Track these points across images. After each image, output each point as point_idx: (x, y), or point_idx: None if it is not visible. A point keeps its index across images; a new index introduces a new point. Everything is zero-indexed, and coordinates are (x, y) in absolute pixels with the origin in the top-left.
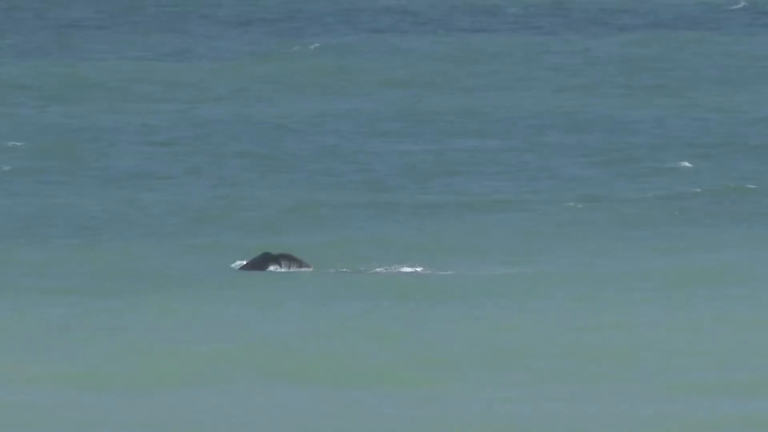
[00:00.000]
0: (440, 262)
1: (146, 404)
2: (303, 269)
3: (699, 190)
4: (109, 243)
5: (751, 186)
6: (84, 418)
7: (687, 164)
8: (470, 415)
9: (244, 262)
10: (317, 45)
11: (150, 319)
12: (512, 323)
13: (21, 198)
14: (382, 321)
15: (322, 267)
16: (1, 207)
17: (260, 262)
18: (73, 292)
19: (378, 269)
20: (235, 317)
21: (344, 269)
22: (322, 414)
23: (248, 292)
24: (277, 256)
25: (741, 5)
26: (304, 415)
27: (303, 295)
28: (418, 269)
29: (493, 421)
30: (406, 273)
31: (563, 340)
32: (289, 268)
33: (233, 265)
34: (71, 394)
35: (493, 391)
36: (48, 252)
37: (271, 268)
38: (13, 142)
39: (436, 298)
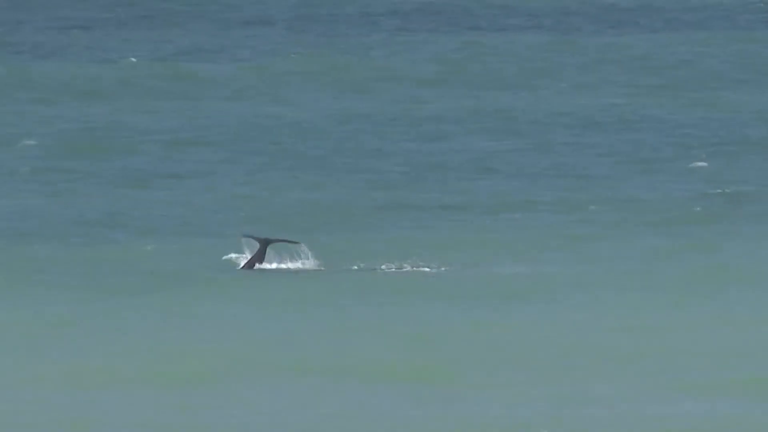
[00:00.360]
0: (447, 261)
1: (147, 404)
2: (295, 246)
3: (719, 191)
4: (116, 242)
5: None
6: (85, 417)
7: (702, 164)
8: (472, 415)
9: (235, 255)
10: (333, 44)
11: (153, 318)
12: (514, 323)
13: (29, 197)
14: (386, 320)
15: (328, 265)
16: (9, 206)
17: (262, 251)
18: (78, 291)
19: (384, 268)
20: (236, 316)
21: (353, 267)
22: (323, 414)
23: (251, 292)
24: (274, 240)
25: (757, 4)
26: (305, 414)
27: (307, 293)
28: (426, 269)
29: (494, 420)
30: (412, 272)
31: (566, 340)
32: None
33: (225, 258)
34: (72, 393)
35: (496, 390)
36: (53, 251)
37: (268, 264)
38: (25, 142)
39: (440, 297)
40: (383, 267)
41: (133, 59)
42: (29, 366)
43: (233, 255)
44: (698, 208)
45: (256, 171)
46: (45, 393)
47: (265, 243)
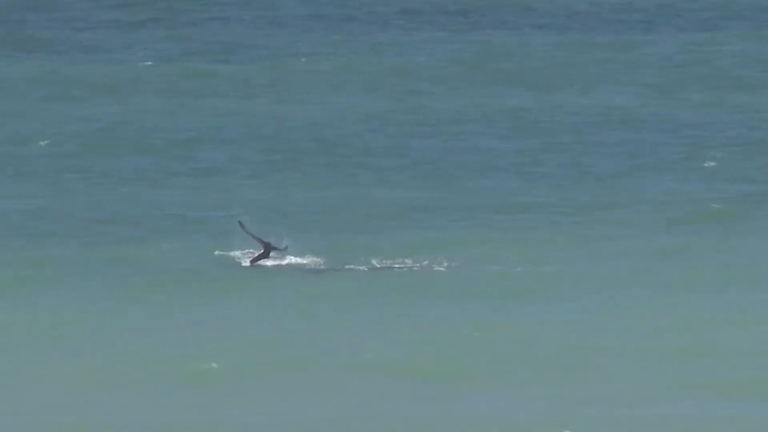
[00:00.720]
0: (454, 259)
1: (150, 404)
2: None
3: (731, 190)
4: (126, 241)
5: None
6: (86, 417)
7: (714, 164)
8: (473, 414)
9: (241, 253)
10: (344, 43)
11: (157, 318)
12: (517, 323)
13: (42, 197)
14: (389, 319)
15: (332, 263)
16: (21, 206)
17: (266, 253)
18: (84, 291)
19: (380, 264)
20: (239, 316)
21: (356, 266)
22: (324, 413)
23: (253, 292)
24: (275, 247)
25: None
26: (306, 414)
27: (310, 293)
28: (440, 267)
29: (495, 419)
30: (418, 270)
31: (569, 340)
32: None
33: (216, 253)
34: (73, 394)
35: (497, 389)
36: (64, 250)
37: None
38: (39, 142)
39: (445, 296)
40: (375, 262)
41: (149, 63)
42: (35, 366)
43: (238, 252)
44: (711, 208)
45: (266, 170)
46: (48, 393)
47: (268, 248)
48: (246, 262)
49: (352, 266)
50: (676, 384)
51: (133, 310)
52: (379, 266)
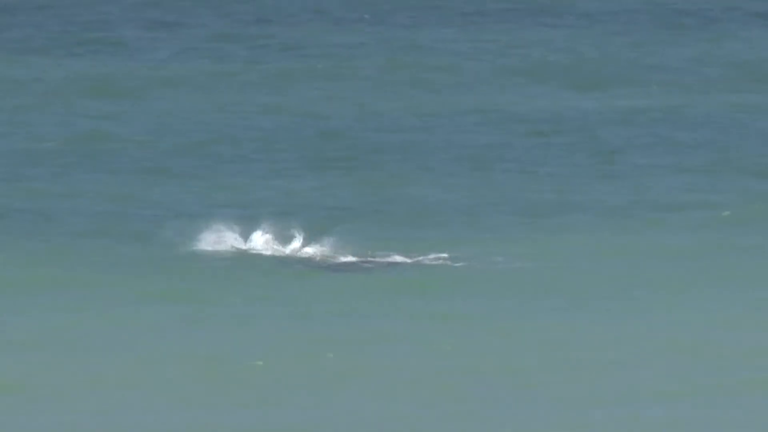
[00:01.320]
0: (469, 257)
1: (152, 406)
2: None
3: (750, 191)
4: (136, 242)
5: None
6: (84, 420)
7: (725, 162)
8: (478, 414)
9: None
10: (374, 43)
11: (163, 320)
12: (519, 322)
13: (50, 197)
14: (397, 319)
15: (352, 261)
16: (27, 206)
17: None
18: (87, 291)
19: (406, 261)
20: (242, 317)
21: (360, 262)
22: (326, 414)
23: (257, 291)
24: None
25: None
26: (308, 415)
27: (314, 292)
28: (455, 264)
29: (498, 421)
30: (436, 268)
31: (571, 339)
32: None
33: (233, 248)
34: (78, 396)
35: (500, 389)
36: (65, 249)
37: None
38: (54, 140)
39: (450, 294)
40: (398, 258)
41: (168, 61)
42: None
43: (258, 241)
44: (723, 207)
45: (280, 168)
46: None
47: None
48: (263, 249)
49: (370, 264)
50: (677, 384)
51: (134, 313)
52: (403, 262)
